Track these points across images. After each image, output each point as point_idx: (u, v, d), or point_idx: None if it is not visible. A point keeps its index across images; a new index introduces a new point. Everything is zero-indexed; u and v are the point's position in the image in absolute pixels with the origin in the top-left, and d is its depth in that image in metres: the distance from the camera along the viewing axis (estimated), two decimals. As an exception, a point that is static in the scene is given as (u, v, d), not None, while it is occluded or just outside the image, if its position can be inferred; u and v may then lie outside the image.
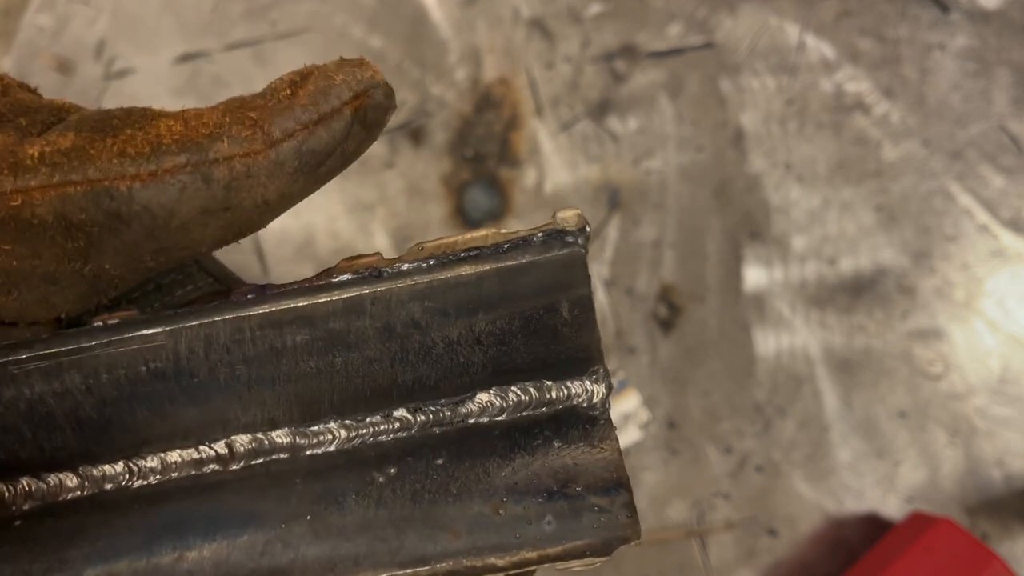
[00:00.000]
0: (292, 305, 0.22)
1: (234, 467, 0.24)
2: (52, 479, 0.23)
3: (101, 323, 0.22)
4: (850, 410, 0.68)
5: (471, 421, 0.24)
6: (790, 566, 0.66)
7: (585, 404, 0.24)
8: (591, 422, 0.24)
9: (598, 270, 0.69)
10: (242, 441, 0.24)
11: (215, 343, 0.22)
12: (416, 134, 0.70)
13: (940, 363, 0.68)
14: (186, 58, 0.70)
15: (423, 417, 0.24)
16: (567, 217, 0.23)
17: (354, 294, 0.23)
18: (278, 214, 0.24)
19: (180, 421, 0.23)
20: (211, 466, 0.24)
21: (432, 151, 0.70)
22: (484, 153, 0.70)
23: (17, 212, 0.21)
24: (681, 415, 0.68)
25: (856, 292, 0.69)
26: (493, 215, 0.69)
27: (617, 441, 0.24)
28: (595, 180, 0.70)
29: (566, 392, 0.24)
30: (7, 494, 0.23)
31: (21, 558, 0.22)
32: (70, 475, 0.23)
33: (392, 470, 0.23)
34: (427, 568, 0.22)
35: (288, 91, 0.23)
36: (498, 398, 0.24)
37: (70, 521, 0.23)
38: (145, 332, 0.22)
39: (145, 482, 0.23)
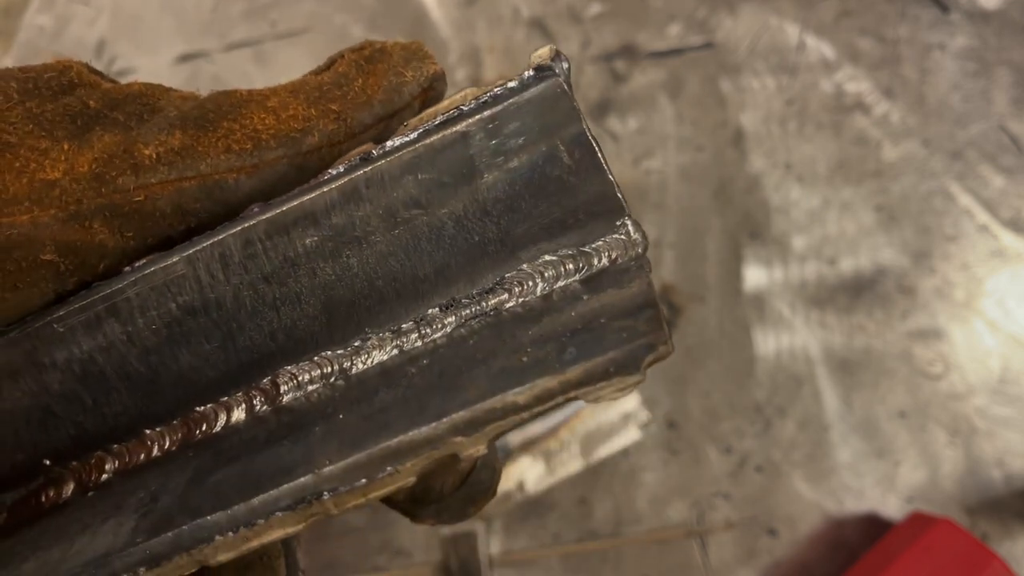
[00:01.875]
0: (292, 204, 0.22)
1: (283, 402, 0.23)
2: (120, 450, 0.24)
3: (129, 268, 0.23)
4: (850, 410, 0.68)
5: (506, 308, 0.23)
6: (790, 566, 0.66)
7: (619, 260, 0.23)
8: (623, 272, 0.23)
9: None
10: (286, 375, 0.23)
11: (231, 261, 0.23)
12: (416, 134, 0.70)
13: (940, 363, 0.68)
14: (186, 58, 0.70)
15: (456, 314, 0.23)
16: (540, 54, 0.22)
17: (346, 180, 0.22)
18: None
19: (223, 360, 0.23)
20: (262, 407, 0.23)
21: (432, 151, 0.70)
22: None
23: (140, 206, 0.23)
24: (681, 415, 0.68)
25: (856, 292, 0.69)
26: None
27: (648, 274, 0.22)
28: (595, 180, 0.70)
29: (597, 256, 0.23)
30: (84, 473, 0.24)
31: (91, 522, 0.23)
32: (136, 442, 0.24)
33: (425, 361, 0.23)
34: (446, 421, 0.21)
35: (359, 80, 0.25)
36: (528, 279, 0.23)
37: (137, 478, 0.24)
38: (163, 264, 0.23)
39: (199, 432, 0.24)
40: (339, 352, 0.23)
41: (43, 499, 0.24)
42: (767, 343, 0.68)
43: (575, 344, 0.21)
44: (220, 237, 0.22)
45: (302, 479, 0.21)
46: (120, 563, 0.21)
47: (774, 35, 0.72)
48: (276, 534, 0.21)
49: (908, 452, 0.67)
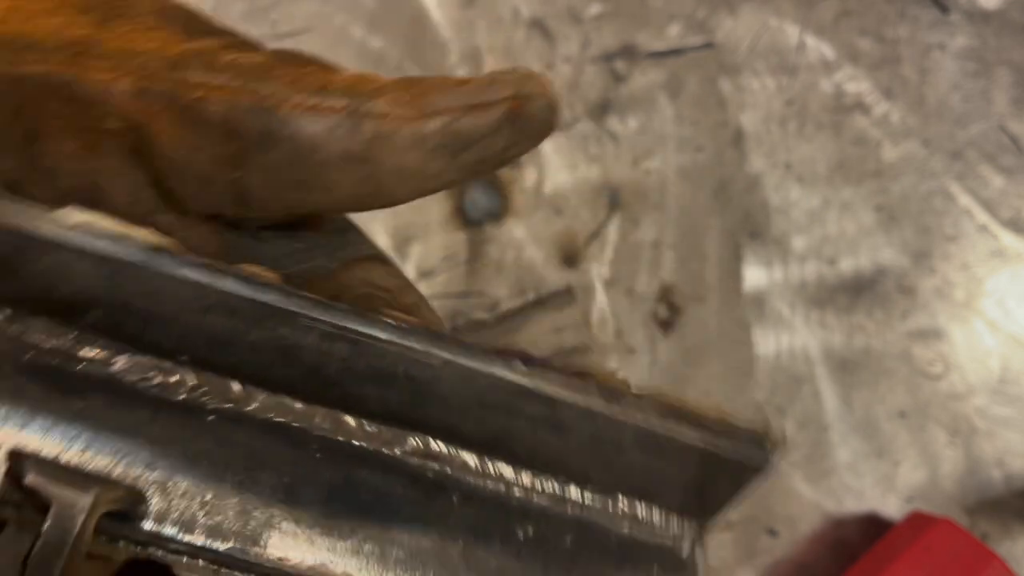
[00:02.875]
0: (545, 389, 0.25)
1: (411, 460, 0.25)
2: (257, 394, 0.24)
3: (393, 321, 0.24)
4: (850, 410, 0.68)
5: (599, 520, 0.27)
6: (789, 566, 0.66)
7: (686, 548, 0.29)
8: (684, 563, 0.28)
9: (598, 270, 0.69)
10: (433, 444, 0.26)
11: (470, 383, 0.24)
12: (416, 134, 0.70)
13: (940, 363, 0.68)
14: (186, 58, 0.71)
15: (568, 494, 0.27)
16: (774, 434, 0.27)
17: (596, 407, 0.25)
18: (413, 192, 0.26)
19: (395, 410, 0.25)
20: (392, 449, 0.25)
21: (432, 151, 0.70)
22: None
23: (195, 103, 0.23)
24: (681, 415, 0.68)
25: (856, 292, 0.69)
26: (493, 215, 0.69)
27: None
28: (595, 180, 0.70)
29: (678, 530, 0.28)
30: (213, 388, 0.24)
31: (216, 459, 0.23)
32: (273, 398, 0.25)
33: (531, 530, 0.26)
34: None
35: (458, 81, 0.25)
36: (629, 509, 0.27)
37: (260, 442, 0.24)
38: (429, 350, 0.24)
39: (335, 438, 0.25)
40: (482, 461, 0.26)
41: (157, 379, 0.24)
42: (767, 343, 0.68)
43: None
44: (481, 367, 0.24)
45: None
46: (260, 568, 0.23)
47: (774, 35, 0.72)
48: None
49: (908, 452, 0.67)
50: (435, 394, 0.25)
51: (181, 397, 0.24)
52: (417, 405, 0.25)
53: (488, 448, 0.26)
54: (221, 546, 0.23)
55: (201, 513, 0.23)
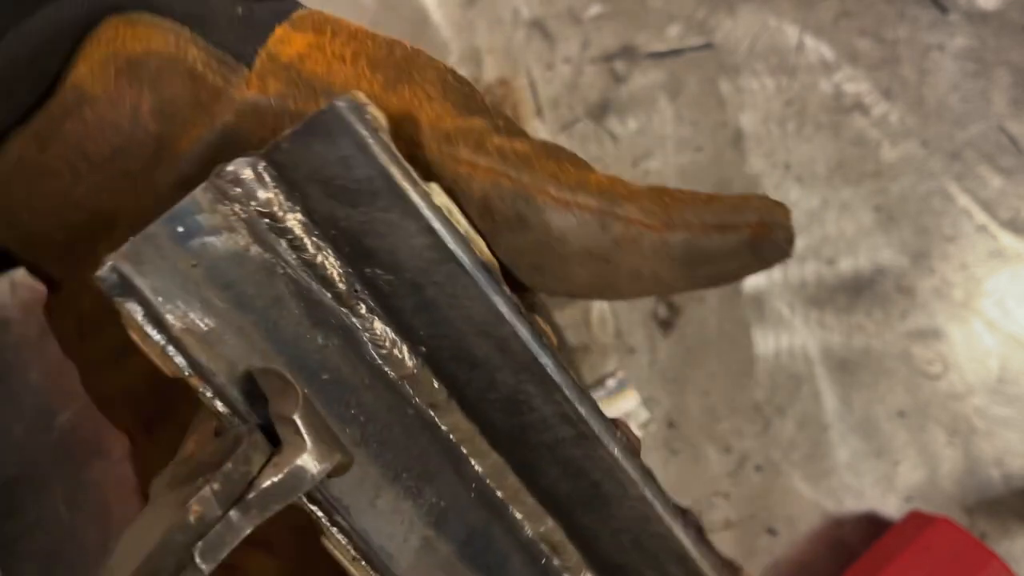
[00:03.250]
0: (700, 568, 0.25)
1: (542, 544, 0.26)
2: (459, 415, 0.25)
3: (623, 436, 0.25)
4: (849, 410, 0.68)
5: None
6: (789, 565, 0.66)
7: None
8: None
9: (598, 270, 0.69)
10: (570, 544, 0.26)
11: (645, 523, 0.25)
12: (416, 135, 0.70)
13: (939, 363, 0.68)
14: (187, 59, 0.71)
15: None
16: None
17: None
18: (641, 292, 0.27)
19: (560, 496, 0.26)
20: (534, 526, 0.26)
21: (432, 152, 0.70)
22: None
23: (459, 179, 0.25)
24: (680, 415, 0.68)
25: (855, 292, 0.69)
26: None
27: None
28: (595, 180, 0.70)
29: None
30: (425, 382, 0.25)
31: (401, 451, 0.24)
32: (470, 424, 0.25)
33: None
34: None
35: (707, 198, 0.26)
36: None
37: (437, 454, 0.25)
38: (633, 478, 0.25)
39: (494, 489, 0.25)
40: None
41: (386, 357, 0.25)
42: (766, 343, 0.68)
43: None
44: (664, 516, 0.25)
45: None
46: (382, 559, 0.23)
47: (773, 36, 0.72)
48: None
49: (907, 452, 0.67)
50: (605, 508, 0.25)
51: (395, 377, 0.25)
52: (582, 507, 0.25)
53: (611, 574, 0.26)
54: (373, 541, 0.23)
55: (371, 503, 0.23)
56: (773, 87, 0.71)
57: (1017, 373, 0.68)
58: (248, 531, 0.19)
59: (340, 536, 0.23)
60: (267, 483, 0.20)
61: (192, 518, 0.19)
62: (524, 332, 0.24)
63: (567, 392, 0.24)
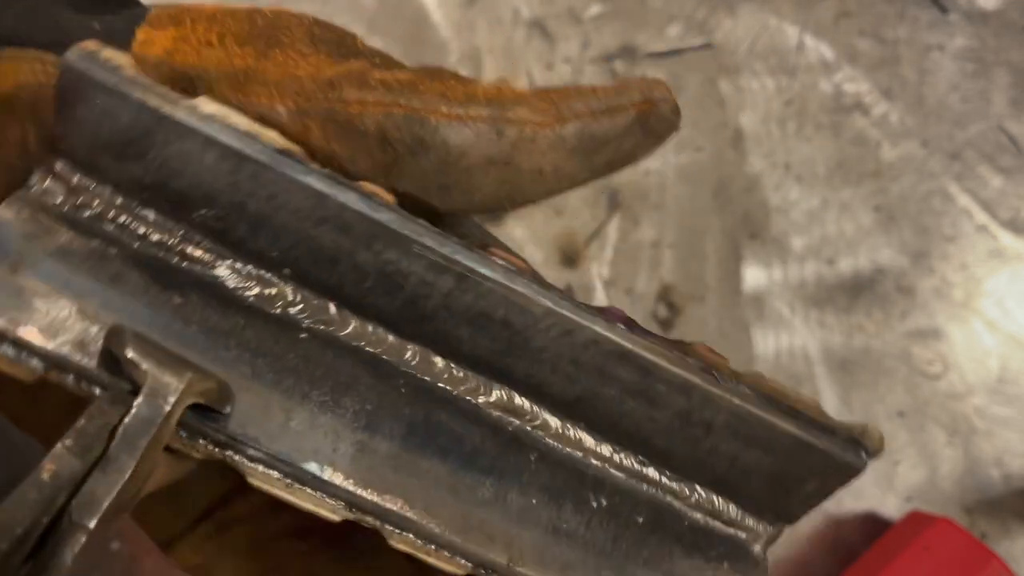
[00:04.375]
0: (646, 356, 0.25)
1: (492, 411, 0.26)
2: (353, 319, 0.25)
3: (503, 261, 0.24)
4: (849, 409, 0.68)
5: (674, 502, 0.27)
6: (789, 565, 0.66)
7: (758, 547, 0.28)
8: (755, 562, 0.28)
9: (598, 270, 0.69)
10: (514, 397, 0.26)
11: (569, 337, 0.25)
12: (416, 135, 0.70)
13: (939, 363, 0.68)
14: (187, 59, 0.71)
15: (646, 472, 0.27)
16: (874, 436, 0.26)
17: (692, 380, 0.25)
18: (549, 190, 0.27)
19: (485, 354, 0.25)
20: (475, 397, 0.25)
21: (432, 152, 0.70)
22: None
23: (352, 118, 0.25)
24: (680, 415, 0.68)
25: (855, 292, 0.69)
26: (493, 215, 0.69)
27: None
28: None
29: (754, 530, 0.28)
30: (309, 304, 0.24)
31: (303, 375, 0.24)
32: (368, 326, 0.25)
33: (603, 501, 0.26)
34: None
35: (590, 89, 0.27)
36: (707, 502, 0.27)
37: (347, 367, 0.24)
38: (535, 296, 0.24)
39: (421, 377, 0.25)
40: (562, 422, 0.26)
41: (256, 289, 0.24)
42: (766, 343, 0.68)
43: None
44: (582, 321, 0.24)
45: (498, 558, 0.24)
46: (330, 488, 0.23)
47: (773, 36, 0.72)
48: (447, 568, 0.24)
49: (907, 451, 0.67)
50: (529, 345, 0.25)
51: (277, 311, 0.24)
52: (509, 354, 0.25)
53: (572, 412, 0.26)
54: (298, 461, 0.23)
55: (283, 426, 0.23)
56: (773, 87, 0.71)
57: (1017, 373, 0.68)
58: (122, 480, 0.19)
59: (263, 468, 0.23)
60: (126, 421, 0.19)
61: (46, 475, 0.18)
62: (351, 198, 0.23)
63: (423, 240, 0.24)
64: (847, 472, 0.26)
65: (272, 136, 0.23)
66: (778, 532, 0.28)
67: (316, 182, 0.23)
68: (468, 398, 0.25)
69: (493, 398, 0.25)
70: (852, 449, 0.26)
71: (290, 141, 0.24)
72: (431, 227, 0.24)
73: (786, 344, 0.68)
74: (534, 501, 0.25)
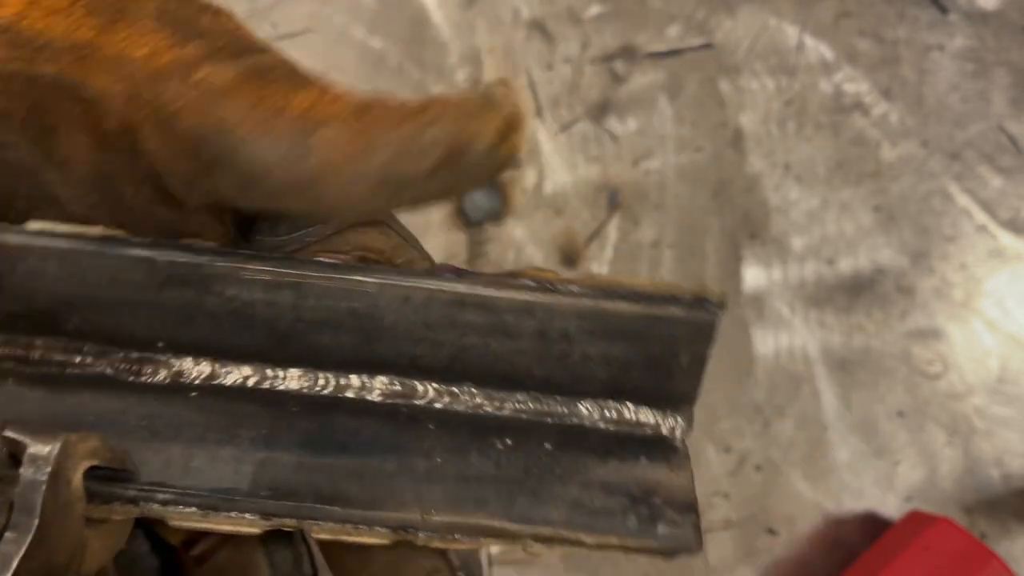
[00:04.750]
0: (481, 292, 0.26)
1: (381, 400, 0.27)
2: (230, 367, 0.27)
3: (327, 259, 0.26)
4: (849, 410, 0.68)
5: (576, 421, 0.28)
6: (789, 565, 0.66)
7: (670, 435, 0.29)
8: (673, 451, 0.29)
9: (598, 270, 0.69)
10: (395, 381, 0.27)
11: (409, 303, 0.26)
12: (416, 135, 0.71)
13: (939, 363, 0.68)
14: (187, 59, 0.71)
15: (540, 406, 0.28)
16: (714, 291, 0.28)
17: (531, 299, 0.27)
18: (362, 215, 0.27)
19: (352, 352, 0.27)
20: (363, 394, 0.27)
21: (432, 152, 0.70)
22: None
23: (170, 117, 0.24)
24: (680, 415, 0.68)
25: (855, 292, 0.69)
26: (493, 215, 0.69)
27: (692, 472, 0.29)
28: (595, 180, 0.70)
29: (659, 420, 0.29)
30: (189, 369, 0.26)
31: (198, 425, 0.26)
32: (246, 367, 0.27)
33: (509, 441, 0.28)
34: (531, 528, 0.27)
35: (414, 110, 0.25)
36: (605, 410, 0.29)
37: (239, 407, 0.26)
38: (360, 278, 0.26)
39: (307, 392, 0.27)
40: (447, 388, 0.28)
41: (142, 369, 0.26)
42: (766, 343, 0.68)
43: (637, 515, 0.28)
44: (414, 283, 0.26)
45: (411, 516, 0.26)
46: (241, 504, 0.25)
47: (773, 36, 0.72)
48: (370, 541, 0.26)
49: (907, 451, 0.67)
50: (383, 325, 0.26)
51: (165, 381, 0.26)
52: (370, 341, 0.27)
53: (452, 374, 0.27)
54: (206, 491, 0.25)
55: (185, 468, 0.25)
56: (773, 87, 0.72)
57: (1017, 373, 0.68)
58: (28, 538, 0.20)
59: (177, 508, 0.25)
60: (17, 490, 0.21)
61: None
62: (173, 254, 0.25)
63: (246, 266, 0.26)
64: (705, 330, 0.27)
65: (96, 229, 0.25)
66: (687, 418, 0.29)
67: (140, 251, 0.25)
68: (354, 396, 0.27)
69: (377, 389, 0.27)
70: (699, 306, 0.27)
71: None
72: (250, 251, 0.26)
73: (786, 344, 0.68)
74: (439, 460, 0.27)
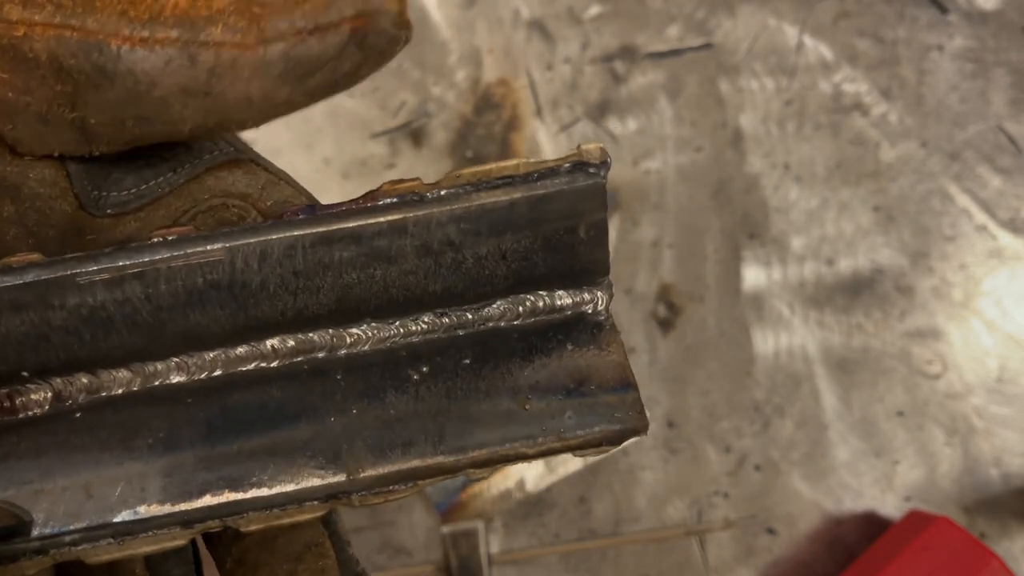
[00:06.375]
0: (342, 226, 0.24)
1: (278, 363, 0.25)
2: (106, 375, 0.25)
3: (160, 239, 0.24)
4: (848, 409, 0.68)
5: (491, 324, 0.27)
6: (789, 564, 0.66)
7: (591, 311, 0.27)
8: (598, 327, 0.27)
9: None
10: (288, 341, 0.25)
11: (269, 258, 0.24)
12: (417, 135, 0.71)
13: (938, 362, 0.68)
14: (187, 59, 0.71)
15: (448, 320, 0.26)
16: (591, 150, 0.26)
17: (398, 217, 0.25)
18: (266, 117, 0.25)
19: (230, 323, 0.25)
20: (257, 363, 0.25)
21: (432, 151, 0.70)
22: (484, 153, 0.70)
23: (18, 43, 0.22)
24: (680, 415, 0.68)
25: (854, 292, 0.69)
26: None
27: (622, 345, 0.27)
28: (595, 180, 0.70)
29: (575, 299, 0.27)
30: (65, 389, 0.24)
31: (91, 447, 0.24)
32: (123, 371, 0.25)
33: (424, 368, 0.26)
34: (467, 456, 0.25)
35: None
36: (516, 305, 0.27)
37: (130, 414, 0.25)
38: (204, 248, 0.24)
39: (197, 378, 0.25)
40: (339, 330, 0.26)
41: (15, 403, 0.24)
42: (766, 343, 0.69)
43: (572, 409, 0.26)
44: (266, 237, 0.24)
45: (337, 479, 0.24)
46: (155, 522, 0.23)
47: (773, 36, 0.72)
48: (304, 517, 0.24)
49: (906, 451, 0.68)
50: (251, 287, 0.24)
51: (46, 410, 0.24)
52: (245, 308, 0.25)
53: (342, 316, 0.25)
54: (114, 519, 0.23)
55: (85, 500, 0.23)
56: (773, 87, 0.72)
57: (1016, 373, 0.68)
58: None
59: (89, 545, 0.23)
60: None
61: None
62: (39, 275, 0.23)
63: (80, 269, 0.23)
64: (593, 194, 0.26)
65: None
66: (606, 288, 0.27)
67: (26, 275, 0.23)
68: (248, 368, 0.25)
69: (268, 353, 0.25)
70: (581, 172, 0.26)
71: None
72: (79, 254, 0.24)
73: (785, 344, 0.69)
74: (354, 411, 0.25)
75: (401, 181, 0.25)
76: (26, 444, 0.24)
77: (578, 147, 0.26)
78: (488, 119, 0.71)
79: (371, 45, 0.24)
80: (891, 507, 0.67)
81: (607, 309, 0.27)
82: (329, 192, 0.68)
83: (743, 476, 0.67)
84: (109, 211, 0.26)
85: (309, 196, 0.28)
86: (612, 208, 0.70)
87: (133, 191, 0.26)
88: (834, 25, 0.72)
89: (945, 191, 0.70)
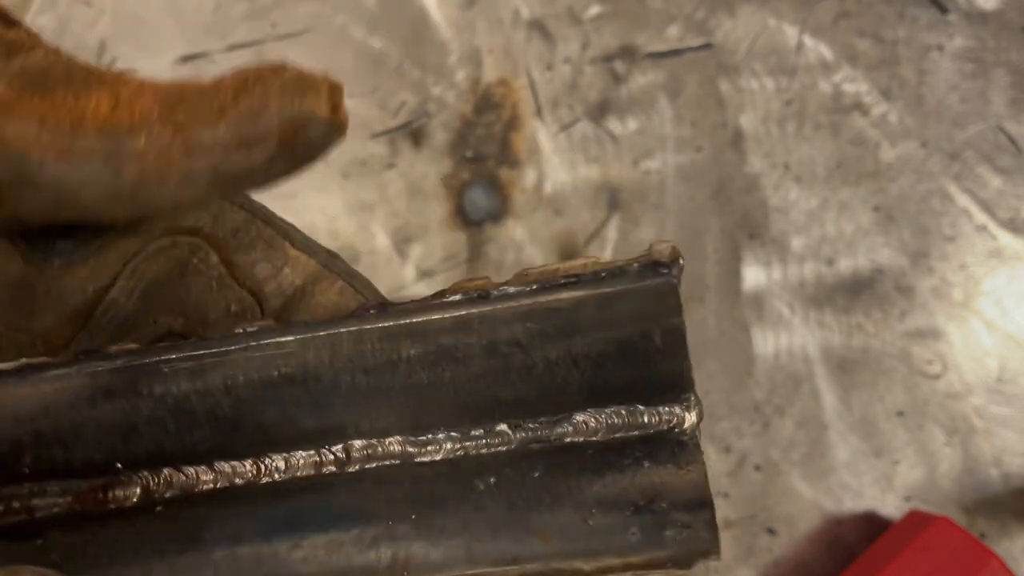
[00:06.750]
0: (409, 321, 0.25)
1: (349, 469, 0.26)
2: (190, 471, 0.25)
3: (242, 330, 0.25)
4: (848, 409, 0.68)
5: (567, 440, 0.26)
6: (788, 565, 0.66)
7: (676, 429, 0.27)
8: (680, 446, 0.27)
9: (597, 270, 0.69)
10: (358, 446, 0.25)
11: (339, 352, 0.25)
12: (416, 135, 0.71)
13: (938, 362, 0.68)
14: (187, 59, 0.71)
15: (523, 434, 0.26)
16: (662, 249, 0.25)
17: (463, 312, 0.25)
18: (192, 213, 0.25)
19: (304, 425, 0.25)
20: (329, 468, 0.26)
21: (432, 151, 0.70)
22: (484, 154, 0.70)
23: None
24: (680, 414, 0.68)
25: (854, 292, 0.69)
26: (493, 216, 0.69)
27: (704, 464, 0.27)
28: (594, 181, 0.70)
29: (658, 418, 0.27)
30: (152, 483, 0.25)
31: (161, 539, 0.25)
32: (206, 469, 0.25)
33: (492, 479, 0.25)
34: (518, 567, 0.25)
35: (230, 97, 0.22)
36: (593, 420, 0.26)
37: (203, 509, 0.25)
38: (279, 339, 0.24)
39: (270, 479, 0.25)
40: (411, 439, 0.26)
41: (108, 496, 0.25)
42: (766, 343, 0.69)
43: (639, 525, 0.25)
44: (337, 330, 0.24)
45: None
46: None
47: (773, 36, 0.72)
48: None
49: (906, 451, 0.68)
50: (323, 384, 0.25)
51: (135, 502, 0.25)
52: (319, 405, 0.25)
53: (415, 423, 0.25)
54: None
55: None
56: (773, 87, 0.72)
57: (1016, 373, 0.68)
58: None
59: None
60: None
61: None
62: (91, 367, 0.24)
63: (165, 357, 0.24)
64: (666, 294, 0.25)
65: (10, 364, 0.24)
66: (693, 406, 0.27)
67: (58, 371, 0.24)
68: (309, 473, 0.26)
69: (342, 459, 0.26)
70: (651, 272, 0.25)
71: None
72: (166, 343, 0.25)
73: (785, 344, 0.69)
74: (414, 516, 0.25)
75: (470, 280, 0.25)
76: (108, 533, 0.25)
77: (649, 247, 0.25)
78: (488, 119, 0.71)
79: (302, 153, 0.24)
80: (891, 507, 0.67)
81: (693, 429, 0.27)
82: (329, 191, 0.68)
83: (743, 476, 0.67)
84: (57, 261, 0.26)
85: (264, 212, 0.28)
86: (612, 208, 0.70)
87: (80, 237, 0.26)
88: (834, 25, 0.72)
89: (945, 191, 0.70)
